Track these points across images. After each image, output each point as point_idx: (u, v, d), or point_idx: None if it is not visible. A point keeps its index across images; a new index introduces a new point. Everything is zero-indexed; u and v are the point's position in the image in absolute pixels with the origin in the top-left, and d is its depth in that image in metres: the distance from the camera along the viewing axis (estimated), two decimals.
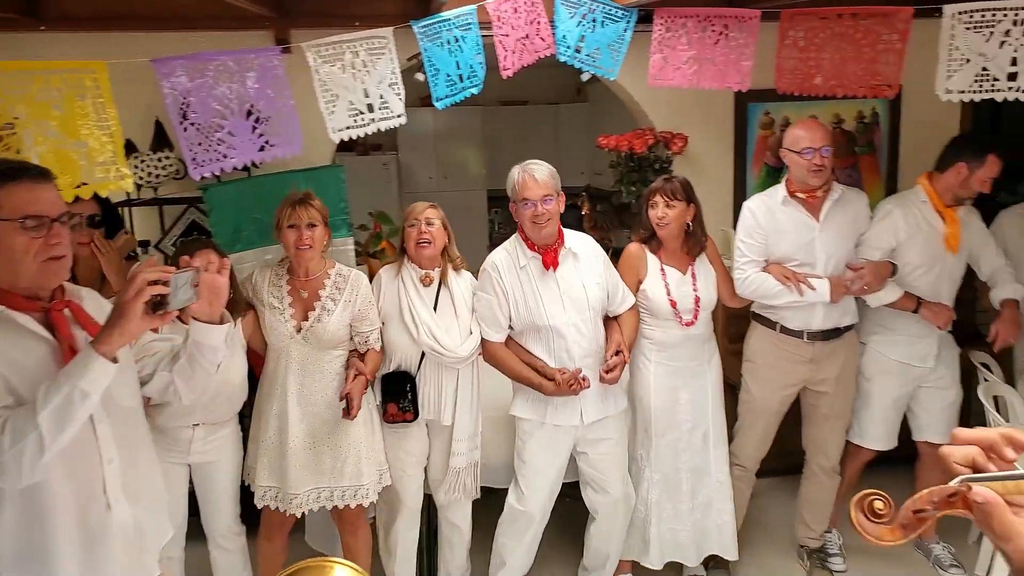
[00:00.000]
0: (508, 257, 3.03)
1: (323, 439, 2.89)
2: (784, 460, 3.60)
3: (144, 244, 3.76)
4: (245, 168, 3.76)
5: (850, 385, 3.39)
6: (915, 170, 3.58)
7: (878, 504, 0.93)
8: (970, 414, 3.81)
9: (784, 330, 3.24)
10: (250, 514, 3.07)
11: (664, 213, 3.09)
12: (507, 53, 3.22)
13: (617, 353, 2.98)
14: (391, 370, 3.05)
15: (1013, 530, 0.83)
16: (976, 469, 0.90)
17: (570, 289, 2.99)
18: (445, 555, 3.29)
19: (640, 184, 4.13)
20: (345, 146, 7.76)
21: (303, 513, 2.94)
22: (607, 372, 2.95)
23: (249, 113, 2.16)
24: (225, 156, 2.11)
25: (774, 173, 4.29)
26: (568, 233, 3.09)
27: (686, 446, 3.21)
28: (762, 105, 4.28)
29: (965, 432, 0.93)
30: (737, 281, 3.24)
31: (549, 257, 2.98)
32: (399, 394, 2.99)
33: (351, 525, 3.05)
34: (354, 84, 2.42)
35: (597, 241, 3.28)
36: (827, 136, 3.14)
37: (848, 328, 3.31)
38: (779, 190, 3.25)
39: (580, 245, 3.09)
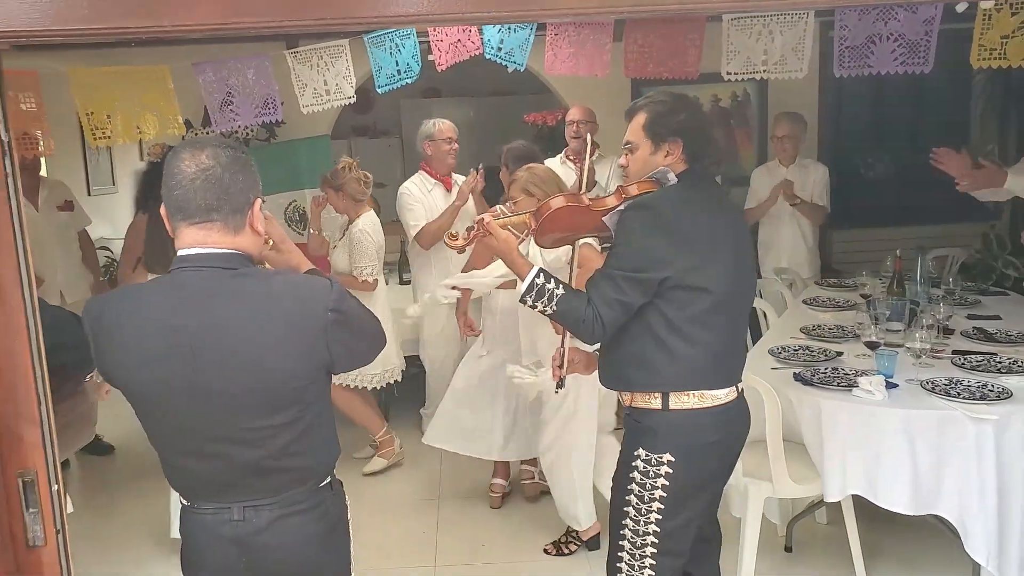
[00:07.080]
0: (417, 186, 4.57)
1: None
2: None
3: None
4: (266, 139, 5.32)
5: None
6: None
7: (452, 232, 2.36)
8: None
9: None
10: None
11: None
12: (441, 52, 4.65)
13: None
14: None
15: (500, 234, 2.25)
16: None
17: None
18: None
19: (551, 151, 5.52)
20: (360, 131, 9.22)
21: None
22: None
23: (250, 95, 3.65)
24: (232, 120, 3.60)
25: None
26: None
27: None
28: (652, 89, 5.59)
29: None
30: None
31: (447, 182, 4.58)
32: None
33: None
34: (316, 77, 3.88)
35: None
36: (585, 115, 4.70)
37: None
38: (559, 157, 4.76)
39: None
